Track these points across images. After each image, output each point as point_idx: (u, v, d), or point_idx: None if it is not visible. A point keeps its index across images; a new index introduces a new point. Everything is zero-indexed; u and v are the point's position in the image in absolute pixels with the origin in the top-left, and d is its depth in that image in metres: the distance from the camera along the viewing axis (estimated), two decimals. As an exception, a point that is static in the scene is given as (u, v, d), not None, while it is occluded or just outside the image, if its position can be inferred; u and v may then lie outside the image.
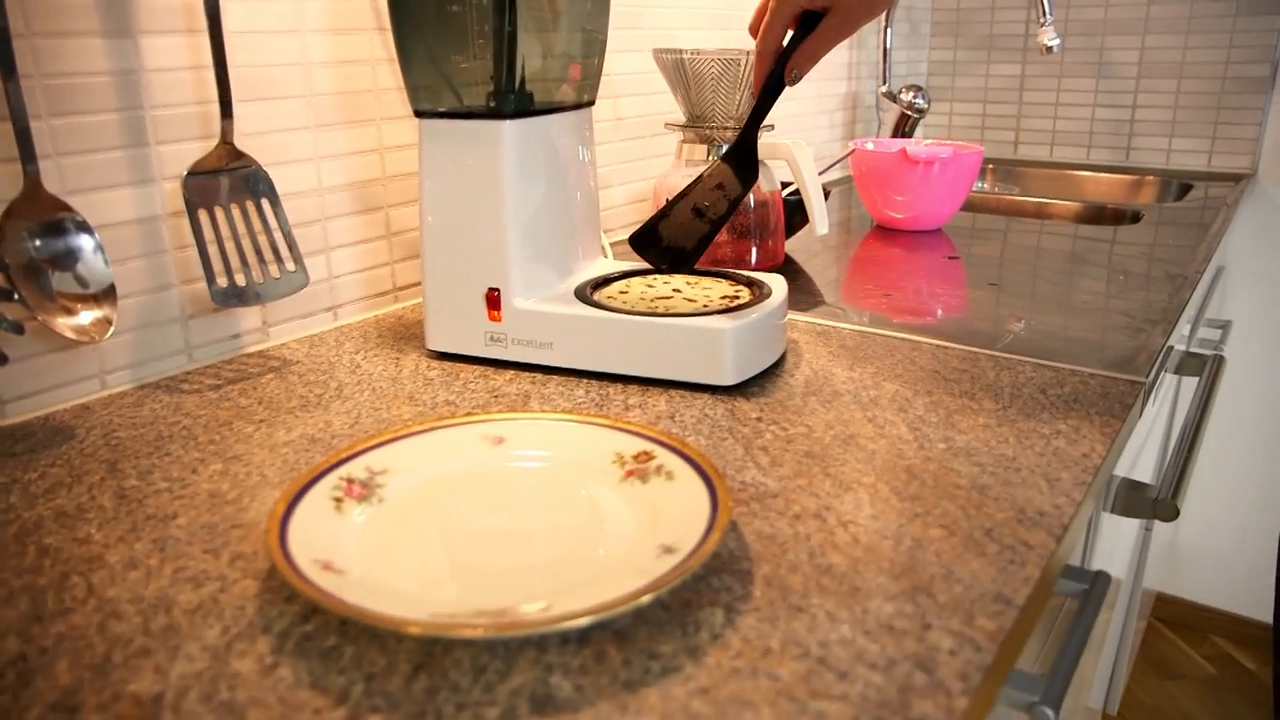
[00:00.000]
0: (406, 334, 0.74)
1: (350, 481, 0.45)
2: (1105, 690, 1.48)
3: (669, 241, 0.69)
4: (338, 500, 0.44)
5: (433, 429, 0.50)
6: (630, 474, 0.46)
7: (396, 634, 0.36)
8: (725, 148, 0.87)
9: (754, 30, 0.65)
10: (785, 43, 0.63)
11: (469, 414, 0.58)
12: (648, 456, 0.47)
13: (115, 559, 0.43)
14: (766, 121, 0.89)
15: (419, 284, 0.84)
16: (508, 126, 0.62)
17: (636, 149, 1.08)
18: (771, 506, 0.46)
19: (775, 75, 0.64)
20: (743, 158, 0.68)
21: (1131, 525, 1.22)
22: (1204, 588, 1.77)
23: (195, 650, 0.36)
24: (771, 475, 0.49)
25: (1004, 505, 0.46)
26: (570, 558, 0.40)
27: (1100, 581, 0.54)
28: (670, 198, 0.86)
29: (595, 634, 0.36)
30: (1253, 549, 1.69)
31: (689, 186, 0.69)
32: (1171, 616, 1.80)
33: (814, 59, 0.63)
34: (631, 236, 0.70)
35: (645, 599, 0.35)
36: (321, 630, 0.37)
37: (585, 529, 0.43)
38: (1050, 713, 0.43)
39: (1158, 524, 1.50)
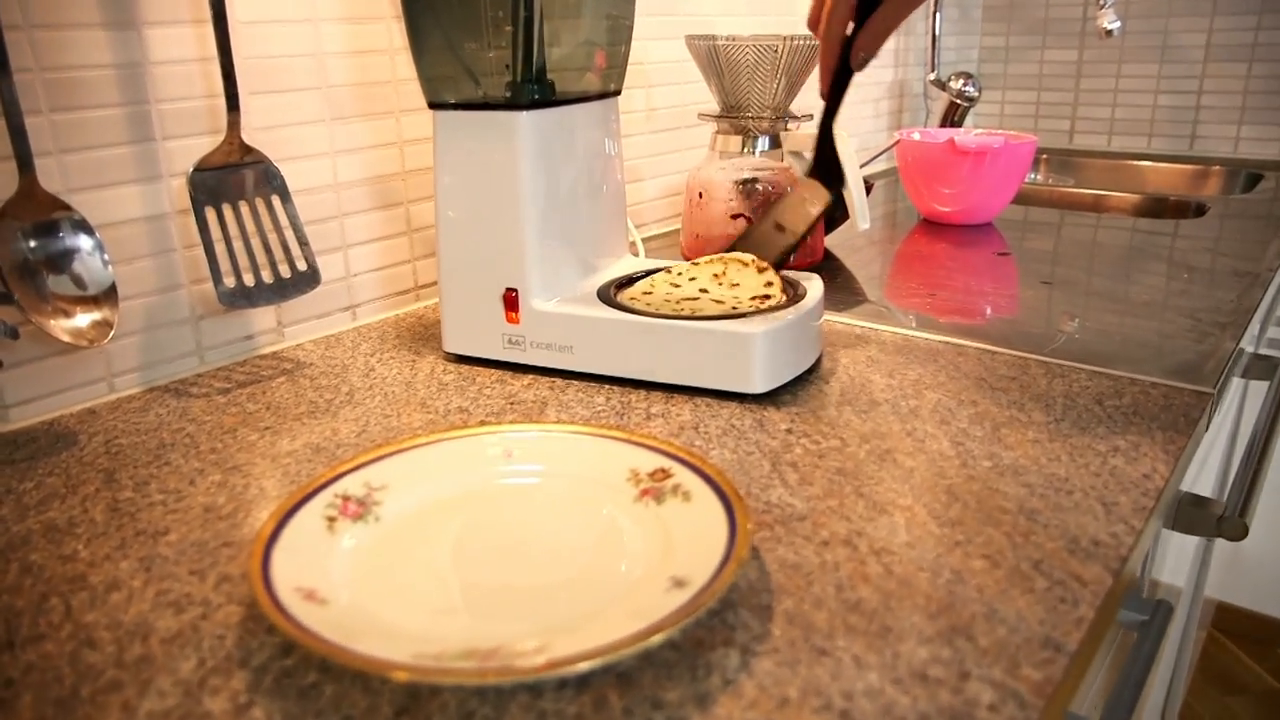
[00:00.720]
0: (426, 334, 0.72)
1: (346, 499, 0.43)
2: (1162, 704, 1.41)
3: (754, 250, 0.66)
4: (331, 520, 0.41)
5: (439, 441, 0.47)
6: (645, 493, 0.43)
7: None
8: (765, 140, 0.83)
9: (813, 24, 0.61)
10: (849, 30, 0.60)
11: (482, 422, 0.55)
12: (664, 474, 0.43)
13: (98, 579, 0.41)
14: (806, 112, 0.85)
15: (440, 282, 0.82)
16: (524, 118, 0.58)
17: (670, 141, 1.04)
18: (798, 531, 0.42)
19: (842, 64, 0.61)
20: (825, 165, 0.66)
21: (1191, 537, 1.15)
22: (1269, 597, 1.69)
23: (167, 685, 0.34)
24: (799, 495, 0.45)
25: (1055, 533, 0.41)
26: (573, 589, 0.37)
27: (1161, 613, 0.49)
28: (701, 192, 0.82)
29: (596, 677, 0.33)
30: (1322, 558, 1.61)
31: (771, 206, 0.69)
32: (1234, 627, 1.72)
33: (881, 37, 0.59)
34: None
35: (650, 641, 0.31)
36: (302, 666, 0.34)
37: (592, 556, 0.39)
38: (1106, 765, 0.39)
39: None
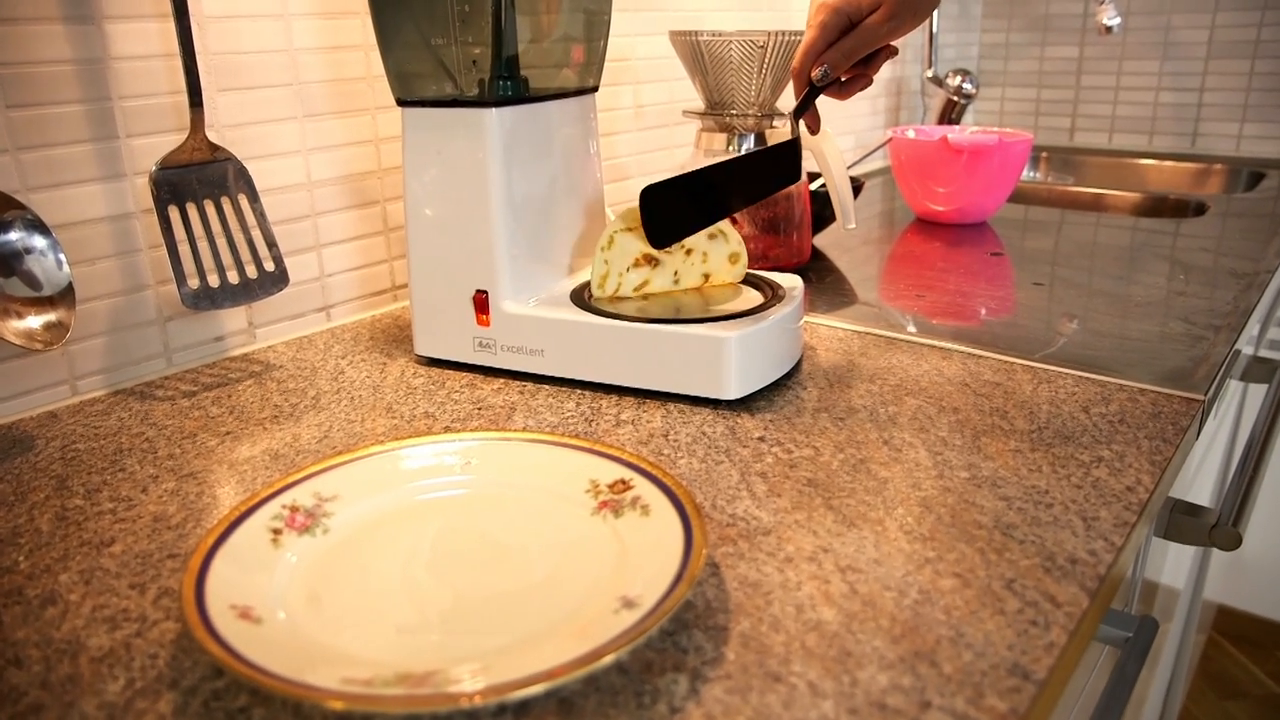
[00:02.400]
0: (400, 336, 0.70)
1: (294, 510, 0.41)
2: (1161, 708, 1.39)
3: (674, 211, 0.58)
4: (275, 532, 0.40)
5: (395, 449, 0.45)
6: (603, 505, 0.41)
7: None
8: (750, 138, 0.81)
9: (795, 73, 0.60)
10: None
11: (446, 429, 0.53)
12: (625, 486, 0.42)
13: (34, 592, 0.39)
14: (791, 107, 0.83)
15: (418, 282, 0.80)
16: (494, 114, 0.57)
17: (658, 138, 1.02)
18: (761, 546, 0.40)
19: (801, 75, 0.59)
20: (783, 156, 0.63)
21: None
22: (1270, 601, 1.66)
23: (91, 708, 0.32)
24: (766, 507, 0.44)
25: (1030, 550, 0.40)
26: (520, 607, 0.36)
27: (1145, 629, 0.48)
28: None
29: (537, 703, 0.31)
30: (1326, 563, 1.58)
31: (732, 163, 0.61)
32: (1234, 630, 1.70)
33: (848, 57, 0.57)
34: (648, 189, 0.58)
35: (594, 666, 0.30)
36: (233, 688, 0.33)
37: (543, 572, 0.38)
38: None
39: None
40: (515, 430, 0.52)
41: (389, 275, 0.78)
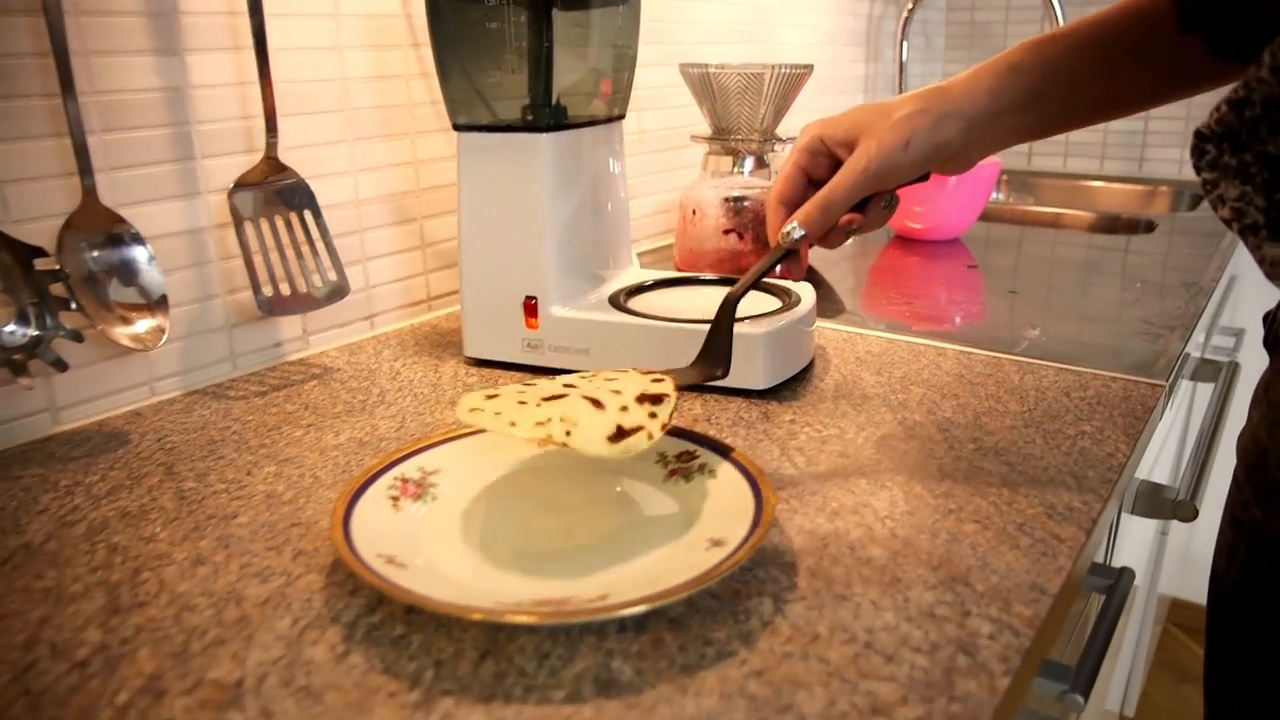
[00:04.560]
0: (443, 342, 0.76)
1: (405, 481, 0.47)
2: (1123, 692, 1.49)
3: None
4: (394, 498, 0.46)
5: (481, 431, 0.52)
6: (673, 473, 0.48)
7: (461, 623, 0.38)
8: (750, 160, 0.89)
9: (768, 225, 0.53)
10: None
11: (509, 418, 0.60)
12: (690, 455, 0.49)
13: (182, 556, 0.45)
14: (791, 133, 0.91)
15: (453, 293, 0.86)
16: (545, 139, 0.64)
17: (660, 162, 1.10)
18: (810, 504, 0.47)
19: (772, 228, 0.51)
20: (715, 352, 0.52)
21: (1148, 532, 1.23)
22: (1219, 594, 1.77)
23: (269, 640, 0.38)
24: (808, 474, 0.51)
25: (1034, 502, 0.47)
26: (622, 552, 0.42)
27: (1125, 578, 0.56)
28: (694, 209, 0.88)
29: (651, 622, 0.38)
30: (1268, 555, 1.70)
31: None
32: (1186, 621, 1.81)
33: (824, 209, 0.49)
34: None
35: (699, 588, 0.36)
36: (388, 620, 0.39)
37: (634, 525, 0.44)
38: (1080, 699, 0.45)
39: (1173, 530, 1.50)
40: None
41: (425, 287, 0.84)
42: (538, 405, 0.43)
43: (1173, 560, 1.67)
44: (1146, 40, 0.51)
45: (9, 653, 0.38)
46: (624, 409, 0.43)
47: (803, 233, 0.50)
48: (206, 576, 0.43)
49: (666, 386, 0.46)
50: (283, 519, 0.48)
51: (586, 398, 0.44)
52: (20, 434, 0.59)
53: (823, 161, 0.52)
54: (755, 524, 0.41)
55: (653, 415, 0.43)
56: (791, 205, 0.52)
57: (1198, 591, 1.79)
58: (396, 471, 0.48)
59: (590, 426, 0.41)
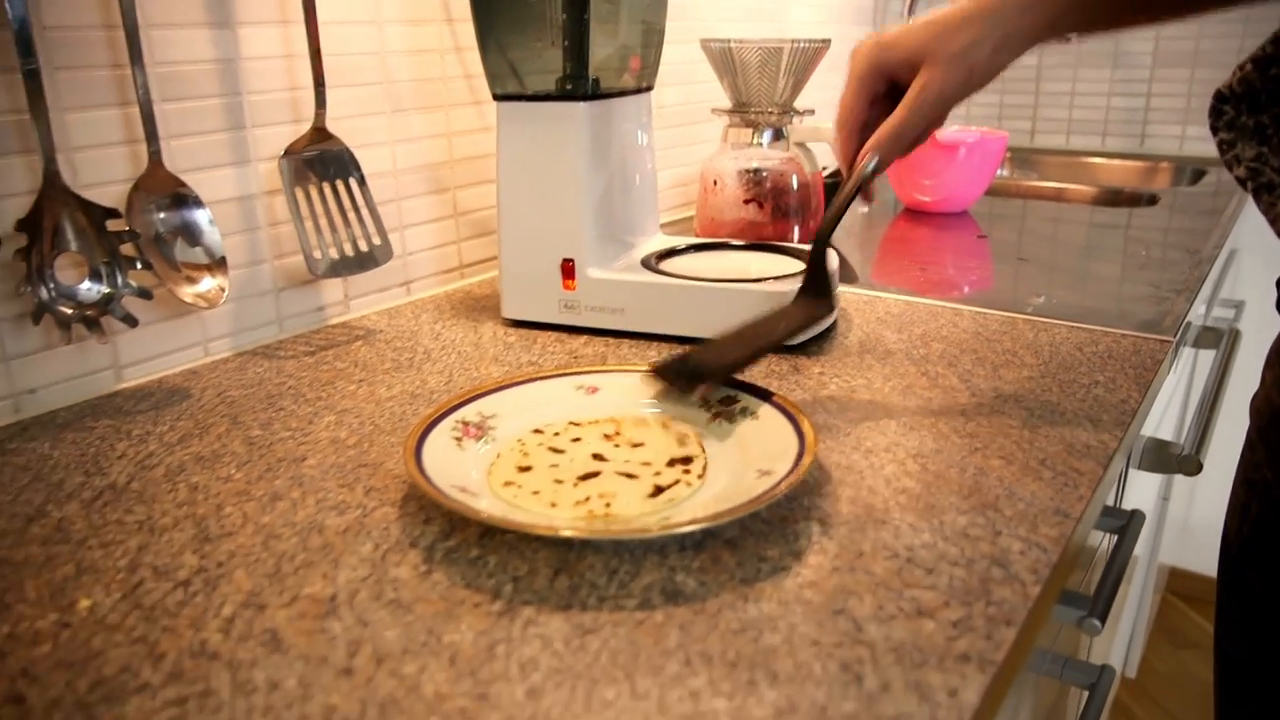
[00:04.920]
0: (478, 306, 0.79)
1: (465, 424, 0.50)
2: (1123, 658, 1.53)
3: (696, 367, 0.54)
4: (457, 439, 0.49)
5: (531, 380, 0.55)
6: (716, 416, 0.51)
7: (533, 545, 0.41)
8: (769, 132, 0.92)
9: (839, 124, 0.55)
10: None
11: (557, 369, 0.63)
12: (732, 400, 0.52)
13: (260, 492, 0.48)
14: (808, 106, 0.94)
15: (484, 261, 0.89)
16: (583, 108, 0.67)
17: (678, 136, 1.13)
18: (845, 443, 0.51)
19: (848, 176, 0.54)
20: (817, 286, 0.57)
21: (1149, 501, 1.26)
22: (1213, 562, 1.82)
23: (354, 562, 0.41)
24: (841, 418, 0.54)
25: (1055, 440, 0.51)
26: (672, 480, 0.45)
27: (1135, 519, 0.59)
28: (715, 180, 0.90)
29: (709, 543, 0.41)
30: (1265, 524, 1.74)
31: (745, 326, 0.56)
32: (1185, 590, 1.85)
33: (895, 140, 0.52)
34: (656, 367, 0.54)
35: (754, 508, 0.40)
36: (463, 544, 0.42)
37: (680, 456, 0.48)
38: (1097, 623, 0.48)
39: (1173, 500, 1.54)
40: (625, 364, 0.62)
41: (457, 255, 0.87)
42: (575, 485, 0.45)
43: (1173, 531, 1.71)
44: None
45: (116, 574, 0.41)
46: (657, 474, 0.46)
47: (878, 160, 0.52)
48: (286, 510, 0.46)
49: (693, 448, 0.48)
50: (350, 460, 0.51)
51: (620, 473, 0.46)
52: (87, 389, 0.62)
53: (881, 85, 0.53)
54: (801, 454, 0.44)
55: (686, 471, 0.46)
56: (858, 130, 0.54)
57: (1197, 561, 1.83)
58: (457, 415, 0.51)
59: (628, 496, 0.44)
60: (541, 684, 0.33)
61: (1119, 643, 1.40)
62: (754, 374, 0.62)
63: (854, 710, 0.31)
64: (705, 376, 0.52)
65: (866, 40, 0.53)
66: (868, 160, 0.53)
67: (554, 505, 0.43)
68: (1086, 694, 0.61)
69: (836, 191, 0.55)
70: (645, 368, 0.54)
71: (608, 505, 0.43)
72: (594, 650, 0.35)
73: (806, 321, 0.56)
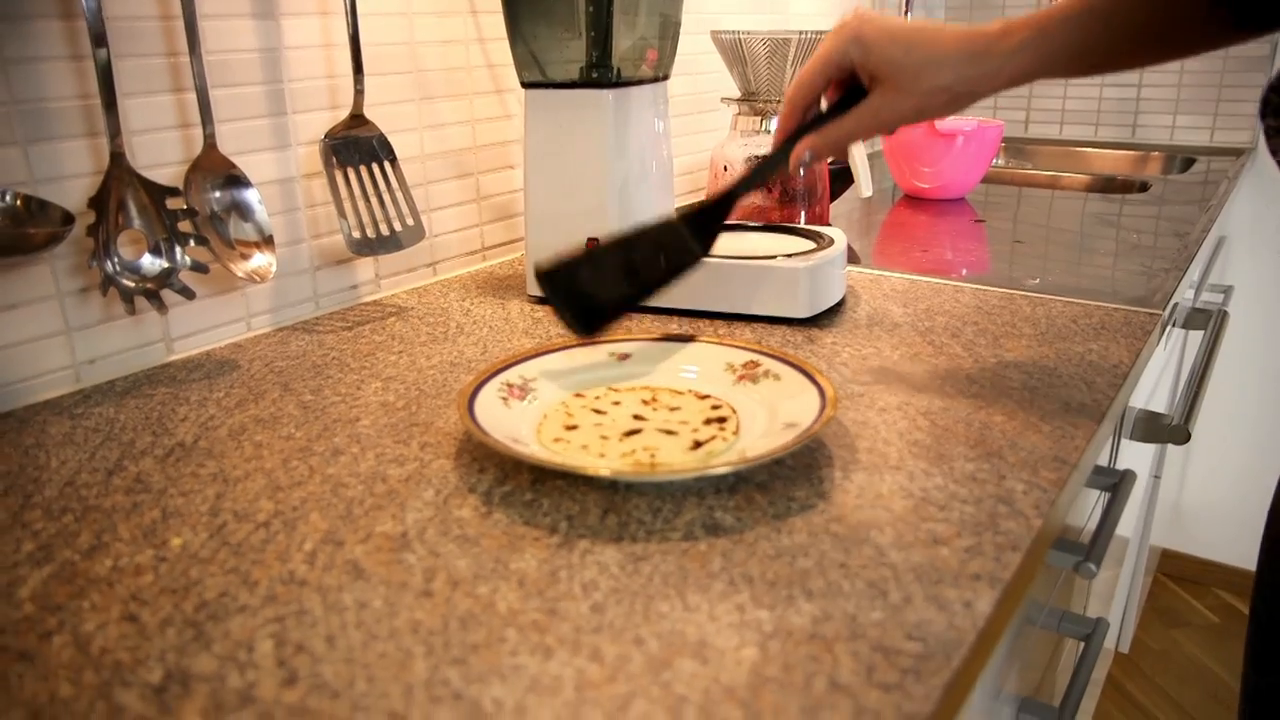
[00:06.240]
0: (501, 286, 0.83)
1: (510, 385, 0.54)
2: (1117, 636, 1.58)
3: (585, 288, 0.57)
4: (504, 399, 0.53)
5: (565, 348, 0.59)
6: (741, 378, 0.55)
7: (581, 488, 0.45)
8: (775, 120, 0.96)
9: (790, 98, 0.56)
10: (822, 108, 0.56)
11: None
12: (755, 365, 0.56)
13: (322, 449, 0.52)
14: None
15: (505, 243, 0.93)
16: (608, 95, 0.70)
17: (683, 125, 1.17)
18: (859, 403, 0.55)
19: (778, 149, 0.56)
20: (704, 225, 0.58)
21: (1140, 484, 1.31)
22: (1205, 543, 1.87)
23: (419, 505, 0.45)
24: (855, 382, 0.58)
25: (1052, 400, 0.55)
26: (710, 435, 0.49)
27: (1127, 479, 0.63)
28: (725, 165, 0.94)
29: (741, 485, 0.45)
30: (1251, 505, 1.79)
31: (632, 234, 0.57)
32: (1176, 571, 1.90)
33: (834, 145, 0.55)
34: (542, 271, 0.56)
35: (783, 452, 0.44)
36: (518, 490, 0.46)
37: (715, 417, 0.52)
38: (1093, 567, 0.52)
39: (1165, 482, 1.59)
40: (650, 332, 0.65)
41: (480, 238, 0.91)
42: (620, 440, 0.49)
43: (1164, 512, 1.76)
44: (1179, 13, 0.50)
45: (200, 518, 0.45)
46: (694, 430, 0.50)
47: (811, 155, 0.55)
48: (349, 463, 0.50)
49: (725, 410, 0.52)
50: (401, 421, 0.55)
51: (661, 430, 0.50)
52: (141, 361, 0.66)
53: (844, 74, 0.54)
54: (823, 408, 0.48)
55: (722, 428, 0.50)
56: (804, 106, 0.56)
57: (1186, 542, 1.88)
58: (501, 378, 0.55)
59: (670, 448, 0.48)
60: (603, 601, 0.37)
61: (1113, 618, 1.45)
62: (771, 344, 0.66)
63: (881, 619, 0.35)
64: (591, 322, 0.56)
65: (851, 20, 0.54)
66: (806, 156, 0.55)
67: (603, 456, 0.47)
68: (1082, 645, 0.65)
69: (764, 160, 0.57)
70: (539, 269, 0.57)
71: (653, 456, 0.47)
72: (646, 574, 0.39)
73: (680, 264, 0.57)
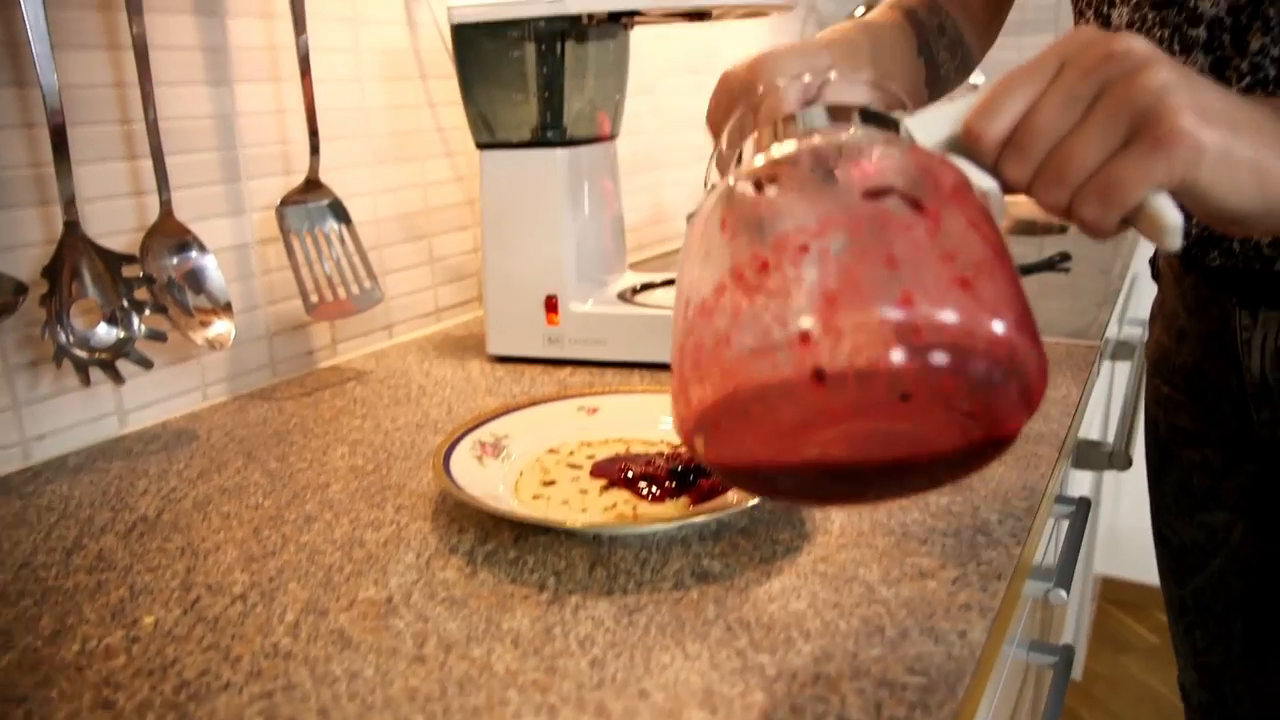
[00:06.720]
0: (459, 346, 0.83)
1: (483, 444, 0.54)
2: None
3: None
4: (478, 457, 0.53)
5: (534, 404, 0.59)
6: (713, 426, 0.56)
7: (565, 543, 0.45)
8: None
9: (710, 122, 0.47)
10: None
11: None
12: (724, 412, 0.57)
13: (293, 516, 0.51)
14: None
15: (458, 304, 0.93)
16: (561, 154, 0.72)
17: (629, 184, 1.19)
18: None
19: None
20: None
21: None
22: (1142, 566, 1.93)
23: (401, 569, 0.45)
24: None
25: (1013, 433, 0.57)
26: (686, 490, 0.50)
27: (1082, 505, 0.66)
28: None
29: (725, 532, 0.46)
30: (1185, 528, 1.85)
31: None
32: (1120, 597, 1.95)
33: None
34: None
35: (755, 501, 0.44)
36: (500, 548, 0.46)
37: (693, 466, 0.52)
38: (1063, 593, 0.54)
39: (1103, 508, 1.64)
40: (619, 388, 0.66)
41: (434, 299, 0.91)
42: (600, 494, 0.49)
43: (1104, 538, 1.81)
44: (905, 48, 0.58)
45: (172, 594, 0.43)
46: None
47: None
48: (323, 530, 0.49)
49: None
50: (373, 484, 0.54)
51: None
52: (94, 434, 0.64)
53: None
54: (798, 452, 0.49)
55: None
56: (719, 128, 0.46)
57: (1126, 568, 1.94)
58: (473, 436, 0.54)
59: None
60: (602, 655, 0.37)
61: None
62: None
63: (881, 654, 0.36)
64: None
65: (774, 53, 0.44)
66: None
67: (584, 510, 0.47)
68: (1053, 671, 0.67)
69: None
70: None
71: (634, 508, 0.47)
72: (642, 625, 0.39)
73: None
